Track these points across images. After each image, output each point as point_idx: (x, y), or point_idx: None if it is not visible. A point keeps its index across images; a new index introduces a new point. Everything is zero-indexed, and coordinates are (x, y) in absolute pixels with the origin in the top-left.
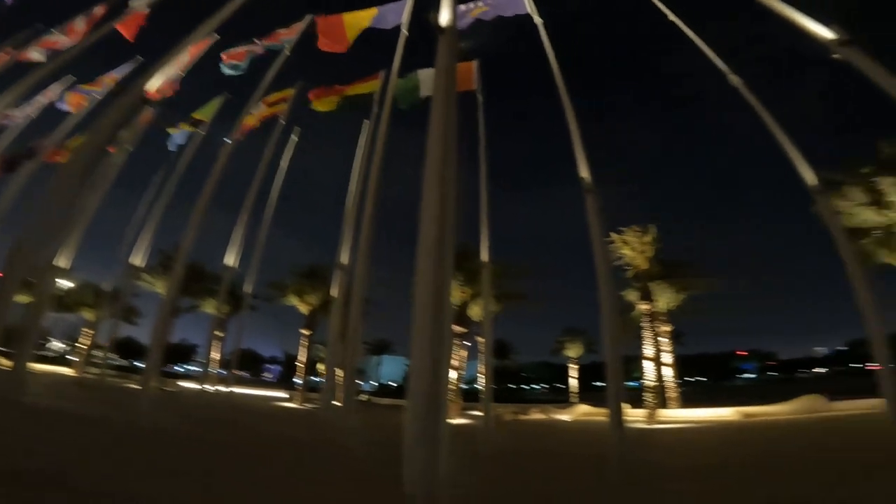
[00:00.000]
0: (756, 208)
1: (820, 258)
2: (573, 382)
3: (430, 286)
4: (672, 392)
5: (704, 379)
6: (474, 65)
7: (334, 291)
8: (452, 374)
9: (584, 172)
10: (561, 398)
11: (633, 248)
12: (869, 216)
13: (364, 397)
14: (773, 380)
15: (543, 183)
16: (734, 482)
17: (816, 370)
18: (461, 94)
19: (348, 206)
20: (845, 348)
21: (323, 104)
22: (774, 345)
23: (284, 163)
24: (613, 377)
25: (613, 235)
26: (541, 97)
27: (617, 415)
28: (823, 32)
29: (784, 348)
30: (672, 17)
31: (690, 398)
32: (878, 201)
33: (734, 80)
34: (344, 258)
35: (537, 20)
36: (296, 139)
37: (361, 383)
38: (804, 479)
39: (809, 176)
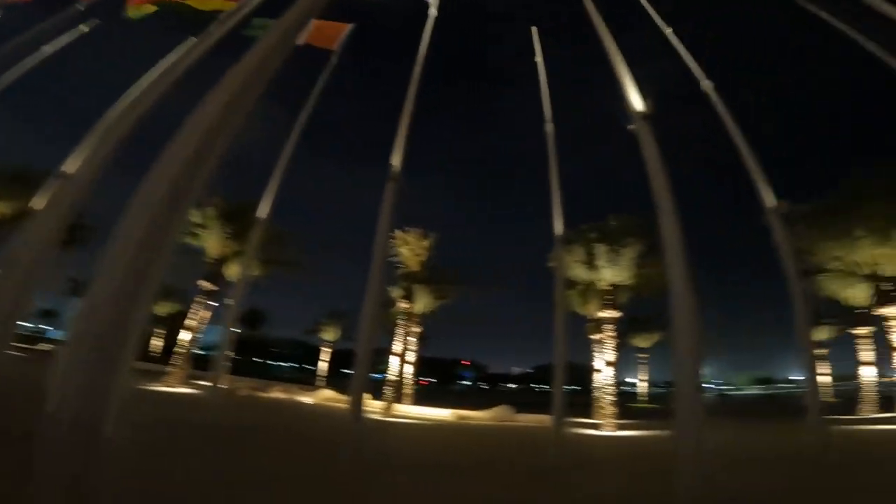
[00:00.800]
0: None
1: (544, 293)
2: (323, 365)
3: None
4: (409, 389)
5: (434, 380)
6: (346, 28)
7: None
8: (185, 336)
9: (395, 160)
10: (308, 380)
11: (411, 248)
12: (580, 272)
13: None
14: (482, 389)
15: (369, 161)
16: (445, 478)
17: (511, 385)
18: (322, 52)
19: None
20: (532, 371)
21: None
22: (488, 358)
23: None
24: (361, 366)
25: (397, 233)
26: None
27: (357, 403)
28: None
29: (493, 363)
30: None
31: (422, 396)
32: (590, 262)
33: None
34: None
35: (432, 12)
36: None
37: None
38: (492, 478)
39: (558, 226)
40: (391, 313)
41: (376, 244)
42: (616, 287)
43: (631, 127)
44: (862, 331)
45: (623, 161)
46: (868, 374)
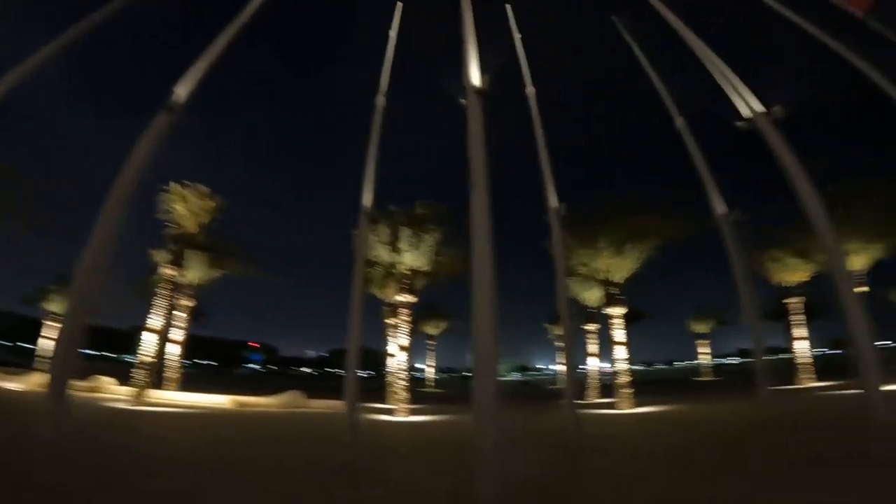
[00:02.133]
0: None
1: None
2: (46, 344)
3: None
4: (174, 373)
5: (215, 363)
6: None
7: None
8: None
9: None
10: (19, 361)
11: (188, 207)
12: (382, 254)
13: None
14: (273, 373)
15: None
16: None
17: (305, 369)
18: None
19: None
20: (326, 355)
21: None
22: (282, 341)
23: None
24: (65, 342)
25: (173, 185)
26: None
27: (58, 387)
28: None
29: (287, 346)
30: None
31: (196, 381)
32: (393, 245)
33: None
34: None
35: None
36: None
37: None
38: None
39: (367, 199)
40: (151, 281)
41: (118, 183)
42: (415, 272)
43: (463, 101)
44: (591, 327)
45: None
46: (593, 364)
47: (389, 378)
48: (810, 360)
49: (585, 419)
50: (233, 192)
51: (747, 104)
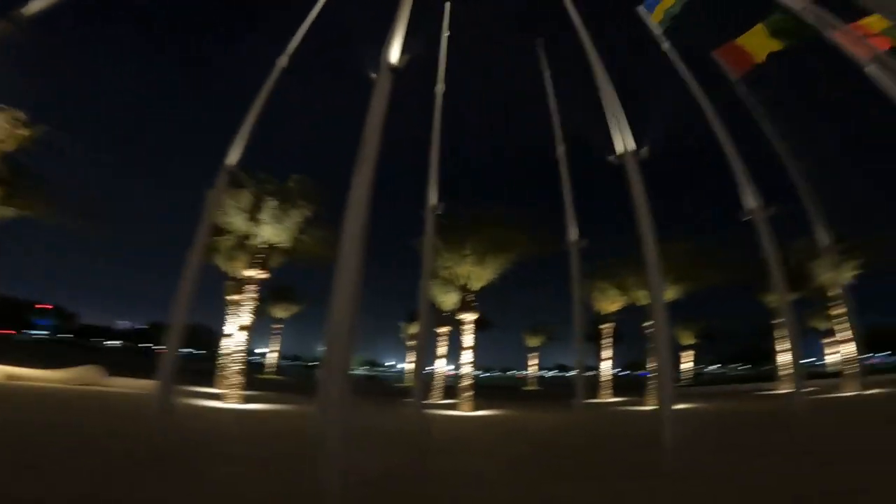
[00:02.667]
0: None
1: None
2: None
3: None
4: None
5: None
6: None
7: None
8: None
9: None
10: None
11: None
12: (238, 222)
13: None
14: (67, 342)
15: None
16: None
17: (113, 342)
18: None
19: None
20: (145, 327)
21: None
22: (85, 306)
23: None
24: None
25: None
26: None
27: None
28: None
29: (92, 313)
30: None
31: None
32: (253, 214)
33: None
34: None
35: None
36: None
37: None
38: None
39: (233, 157)
40: None
41: None
42: (272, 247)
43: (373, 75)
44: (443, 330)
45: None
46: (440, 365)
47: (223, 360)
48: (610, 378)
49: (430, 417)
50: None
51: (623, 141)
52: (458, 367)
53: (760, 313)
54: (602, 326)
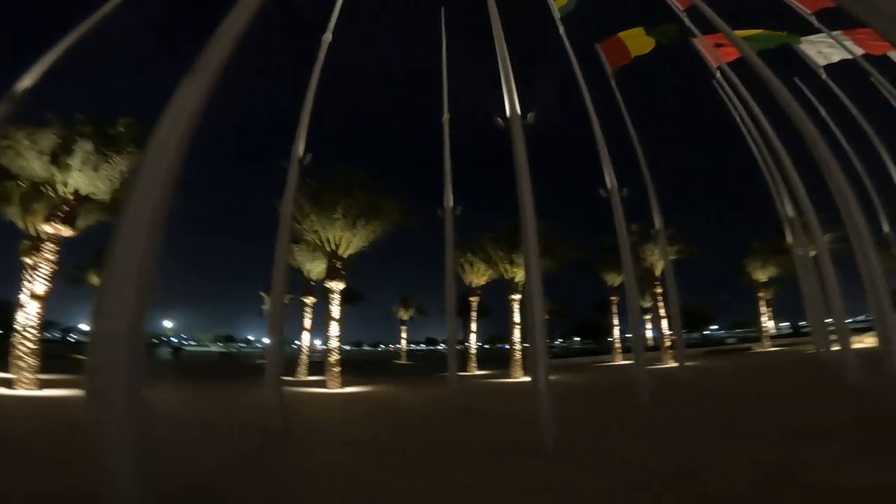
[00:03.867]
0: None
1: None
2: None
3: None
4: None
5: None
6: None
7: None
8: None
9: None
10: None
11: None
12: (34, 165)
13: None
14: None
15: None
16: None
17: None
18: None
19: None
20: None
21: None
22: None
23: None
24: None
25: None
26: None
27: None
28: None
29: None
30: None
31: None
32: (56, 157)
33: None
34: None
35: None
36: None
37: None
38: None
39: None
40: None
41: None
42: (83, 199)
43: None
44: (309, 300)
45: None
46: (306, 339)
47: (15, 337)
48: (475, 351)
49: (294, 397)
50: None
51: (510, 105)
52: (326, 340)
53: (594, 291)
54: (471, 299)
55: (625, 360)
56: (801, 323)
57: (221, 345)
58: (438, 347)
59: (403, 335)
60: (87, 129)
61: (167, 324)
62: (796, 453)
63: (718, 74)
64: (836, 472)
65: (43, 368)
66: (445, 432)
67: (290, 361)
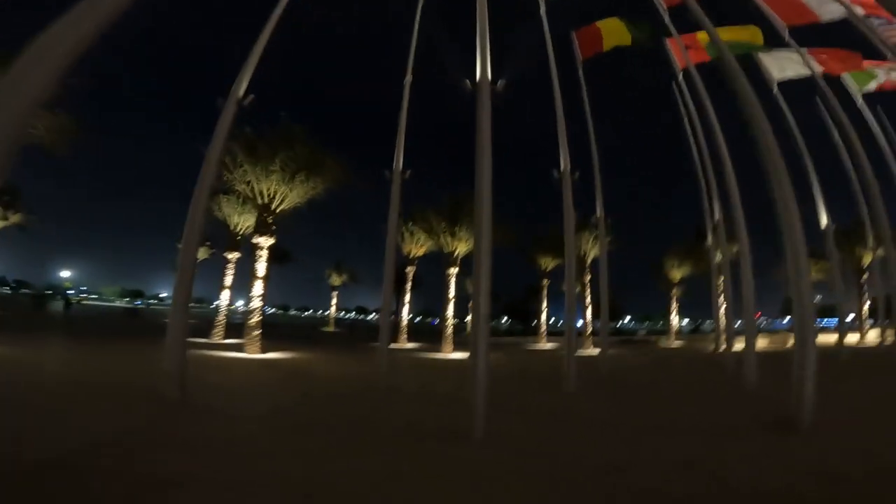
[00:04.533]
0: None
1: None
2: None
3: None
4: None
5: None
6: None
7: None
8: None
9: None
10: None
11: None
12: None
13: None
14: None
15: None
16: None
17: None
18: None
19: None
20: None
21: None
22: None
23: None
24: None
25: None
26: None
27: None
28: None
29: None
30: None
31: None
32: None
33: None
34: None
35: None
36: None
37: None
38: None
39: None
40: None
41: None
42: None
43: None
44: (232, 256)
45: None
46: (224, 298)
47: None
48: (406, 324)
49: (204, 362)
50: None
51: (482, 69)
52: (248, 300)
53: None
54: (407, 270)
55: (550, 343)
56: (700, 321)
57: (128, 300)
58: (369, 317)
59: (334, 301)
60: None
61: (64, 274)
62: (715, 451)
63: (681, 77)
64: (755, 472)
65: None
66: (367, 409)
67: (206, 322)
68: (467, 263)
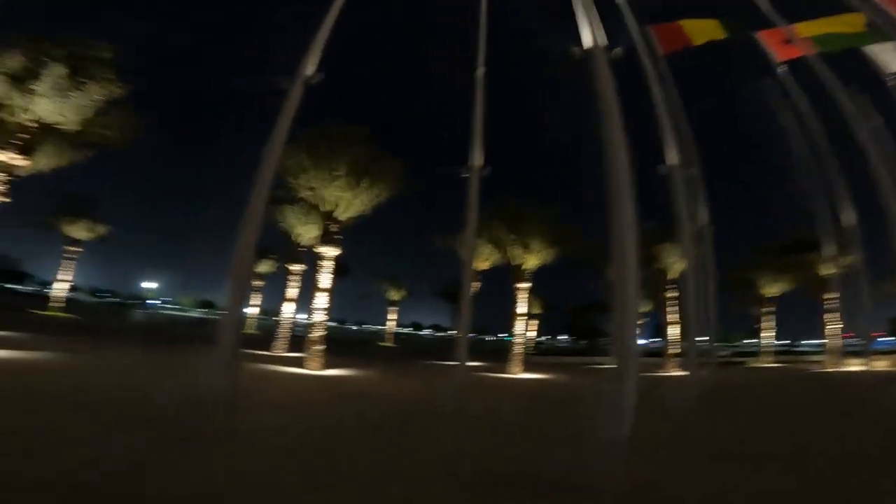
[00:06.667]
0: None
1: None
2: None
3: None
4: None
5: None
6: None
7: None
8: None
9: None
10: None
11: None
12: None
13: None
14: None
15: None
16: None
17: None
18: None
19: None
20: None
21: None
22: None
23: None
24: None
25: None
26: None
27: None
28: None
29: None
30: None
31: None
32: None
33: None
34: None
35: None
36: None
37: None
38: None
39: None
40: None
41: None
42: (46, 128)
43: None
44: (296, 267)
45: None
46: (288, 311)
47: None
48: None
49: (262, 377)
50: None
51: (593, 34)
52: (310, 313)
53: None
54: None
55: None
56: (791, 340)
57: (202, 310)
58: (422, 332)
59: (393, 316)
60: (61, 51)
61: (147, 284)
62: None
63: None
64: None
65: None
66: (452, 445)
67: (269, 334)
68: (536, 278)
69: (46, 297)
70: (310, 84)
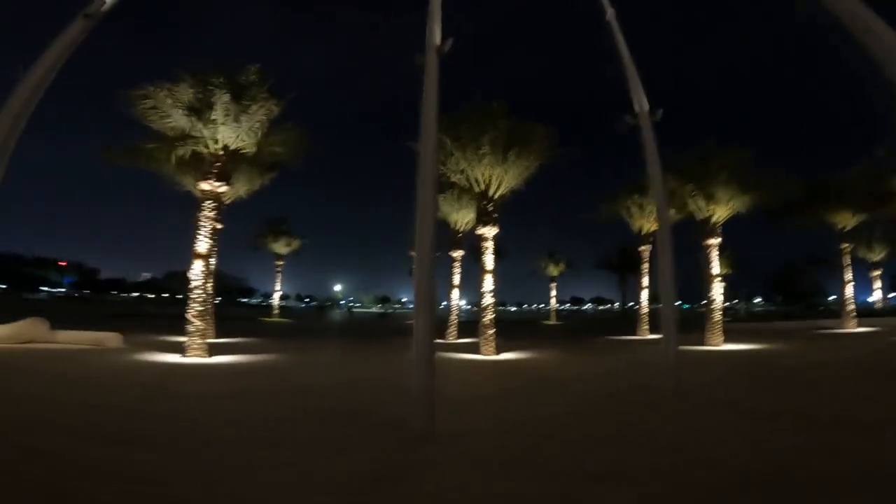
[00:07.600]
0: None
1: None
2: None
3: None
4: None
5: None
6: None
7: None
8: None
9: None
10: None
11: None
12: (179, 121)
13: None
14: (84, 297)
15: None
16: None
17: (128, 294)
18: None
19: None
20: (160, 277)
21: None
22: (107, 261)
23: None
24: None
25: None
26: None
27: None
28: None
29: (113, 265)
30: None
31: None
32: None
33: None
34: None
35: None
36: None
37: None
38: None
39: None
40: None
41: None
42: (231, 153)
43: None
44: (457, 254)
45: None
46: (455, 297)
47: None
48: (647, 312)
49: (447, 365)
50: None
51: None
52: (480, 296)
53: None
54: (641, 248)
55: (860, 326)
56: None
57: (380, 306)
58: (584, 307)
59: (553, 293)
60: (219, 79)
61: (336, 287)
62: None
63: None
64: None
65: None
66: (677, 431)
67: (439, 322)
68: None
69: (269, 307)
70: (443, 54)
